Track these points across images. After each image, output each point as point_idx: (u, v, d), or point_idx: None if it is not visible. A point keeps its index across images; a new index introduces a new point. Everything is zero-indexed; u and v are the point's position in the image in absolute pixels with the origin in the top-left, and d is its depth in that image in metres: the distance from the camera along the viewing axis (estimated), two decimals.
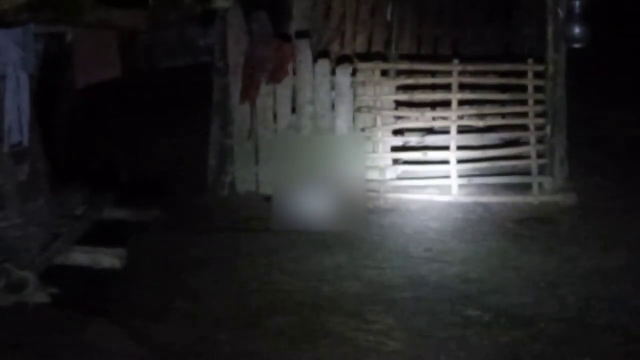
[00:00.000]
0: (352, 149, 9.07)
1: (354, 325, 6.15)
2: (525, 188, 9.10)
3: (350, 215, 8.47)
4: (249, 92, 9.03)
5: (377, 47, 10.55)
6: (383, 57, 9.88)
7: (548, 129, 9.13)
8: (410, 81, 9.32)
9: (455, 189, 9.06)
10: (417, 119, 9.32)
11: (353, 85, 9.14)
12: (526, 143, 9.28)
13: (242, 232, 8.16)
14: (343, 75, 9.12)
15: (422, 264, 7.39)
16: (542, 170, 9.14)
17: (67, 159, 8.37)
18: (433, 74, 9.48)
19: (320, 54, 9.49)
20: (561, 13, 9.08)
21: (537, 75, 9.20)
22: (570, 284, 6.85)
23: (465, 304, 6.49)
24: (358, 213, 8.60)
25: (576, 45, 8.98)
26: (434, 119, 9.39)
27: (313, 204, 8.41)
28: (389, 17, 10.64)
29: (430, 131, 9.46)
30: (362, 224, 8.38)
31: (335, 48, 10.25)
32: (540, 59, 9.18)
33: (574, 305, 6.47)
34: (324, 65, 9.15)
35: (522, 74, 9.24)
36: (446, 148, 9.21)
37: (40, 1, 6.03)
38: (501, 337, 5.95)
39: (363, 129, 9.17)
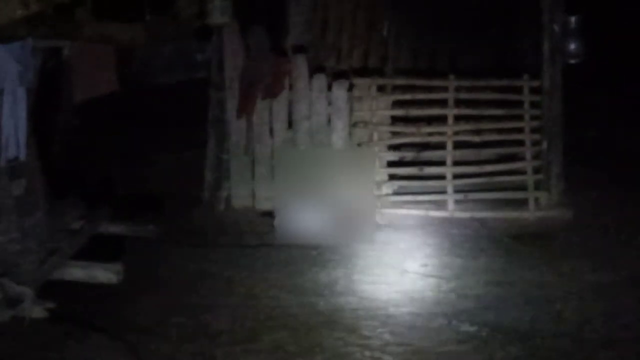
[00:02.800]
0: (351, 163, 9.07)
1: (350, 340, 6.14)
2: (521, 203, 9.11)
3: (347, 230, 8.48)
4: (245, 107, 9.04)
5: (373, 63, 10.56)
6: (379, 73, 9.88)
7: (544, 145, 9.15)
8: (406, 97, 9.34)
9: (451, 205, 9.06)
10: (413, 135, 9.33)
11: (349, 100, 9.15)
12: (522, 158, 9.30)
13: (239, 247, 8.17)
14: (339, 91, 9.13)
15: (418, 279, 7.40)
16: (538, 186, 9.16)
17: (64, 174, 8.37)
18: (429, 89, 9.49)
19: (316, 69, 9.48)
20: (557, 29, 9.13)
21: (534, 90, 9.23)
22: (567, 299, 6.85)
23: (461, 319, 6.48)
24: (354, 228, 8.61)
25: (572, 61, 9.00)
26: (430, 134, 9.39)
27: (309, 219, 8.42)
28: (385, 32, 10.66)
29: (426, 147, 9.46)
30: (359, 239, 8.39)
31: (331, 63, 10.24)
32: (537, 74, 9.21)
33: (570, 321, 6.47)
34: (320, 80, 9.16)
35: (519, 90, 9.27)
36: (442, 163, 9.22)
37: (38, 16, 6.05)
38: (497, 353, 5.93)
39: (359, 144, 9.18)
